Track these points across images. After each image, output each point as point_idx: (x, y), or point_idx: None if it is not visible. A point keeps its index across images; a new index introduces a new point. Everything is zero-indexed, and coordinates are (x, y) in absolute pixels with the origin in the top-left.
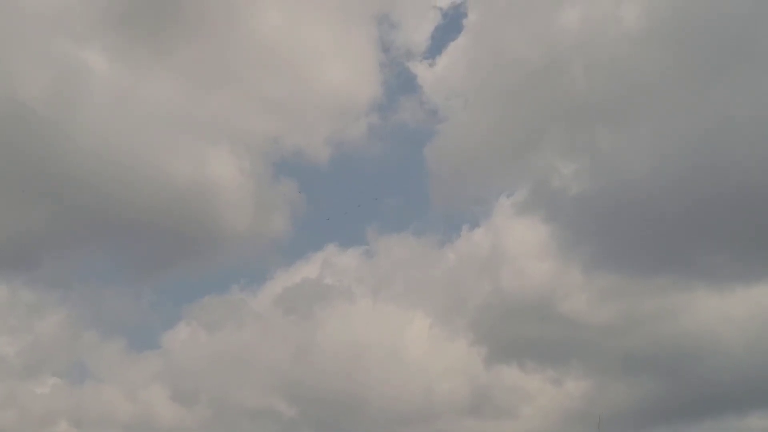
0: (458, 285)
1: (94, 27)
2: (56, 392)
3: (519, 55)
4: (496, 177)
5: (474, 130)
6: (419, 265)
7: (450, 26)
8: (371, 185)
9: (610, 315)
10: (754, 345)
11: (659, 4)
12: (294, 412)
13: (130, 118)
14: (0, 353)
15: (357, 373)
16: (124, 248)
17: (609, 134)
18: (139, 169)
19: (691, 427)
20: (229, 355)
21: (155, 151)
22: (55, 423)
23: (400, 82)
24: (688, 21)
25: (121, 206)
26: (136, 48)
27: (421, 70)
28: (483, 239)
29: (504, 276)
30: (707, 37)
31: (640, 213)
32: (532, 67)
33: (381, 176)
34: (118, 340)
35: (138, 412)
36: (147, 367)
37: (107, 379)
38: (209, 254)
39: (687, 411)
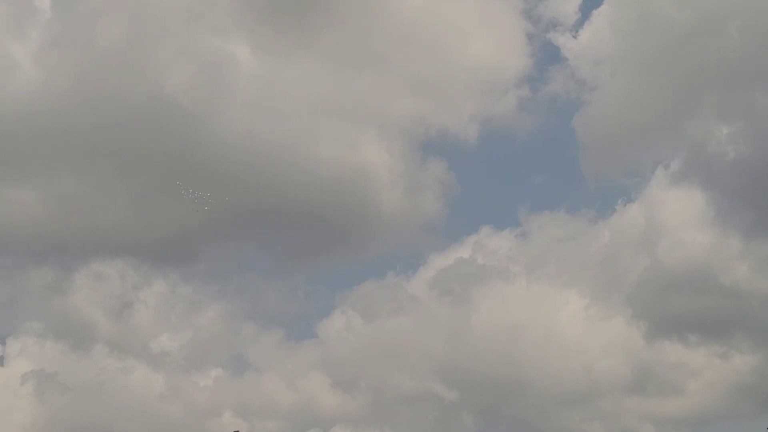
0: (614, 261)
1: (236, 18)
2: (219, 384)
3: (667, 17)
4: (649, 145)
5: (624, 98)
6: (573, 242)
7: None
8: (521, 161)
9: None
10: None
11: None
12: (454, 395)
13: (277, 107)
14: (164, 349)
15: (514, 354)
16: (277, 239)
17: (765, 95)
18: (288, 158)
19: None
20: (386, 341)
21: (303, 138)
22: (219, 414)
23: (546, 54)
24: None
25: (272, 197)
26: (279, 36)
27: (563, 40)
28: (638, 212)
29: (661, 249)
30: None
31: None
32: (681, 30)
33: (531, 151)
34: (276, 330)
35: (299, 400)
36: (305, 356)
37: (267, 369)
38: (362, 241)
39: None
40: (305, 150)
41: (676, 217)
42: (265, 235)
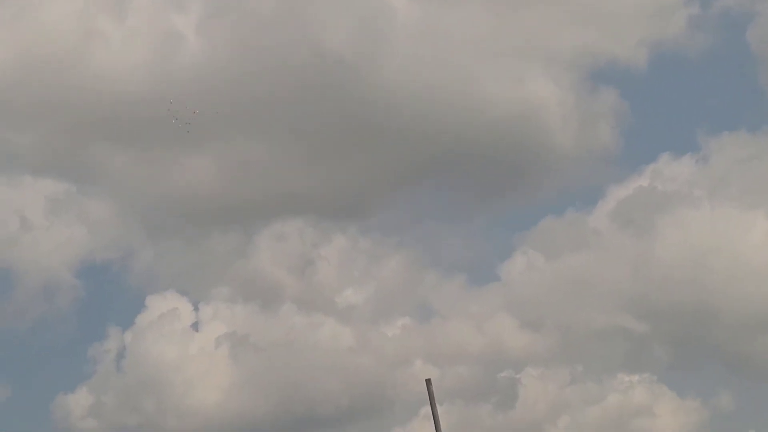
0: None
1: None
2: (407, 333)
3: None
4: None
5: None
6: (757, 162)
7: None
8: (696, 82)
9: None
10: None
11: None
12: (644, 327)
13: (439, 51)
14: (350, 303)
15: (704, 281)
16: (452, 185)
17: None
18: (456, 102)
19: None
20: (569, 277)
21: (469, 80)
22: (410, 362)
23: None
24: None
25: (442, 142)
26: None
27: None
28: None
29: None
30: None
31: None
32: None
33: (705, 71)
34: (458, 276)
35: (487, 343)
36: (490, 299)
37: (453, 315)
38: (537, 178)
39: None
40: (472, 92)
41: None
42: (439, 181)
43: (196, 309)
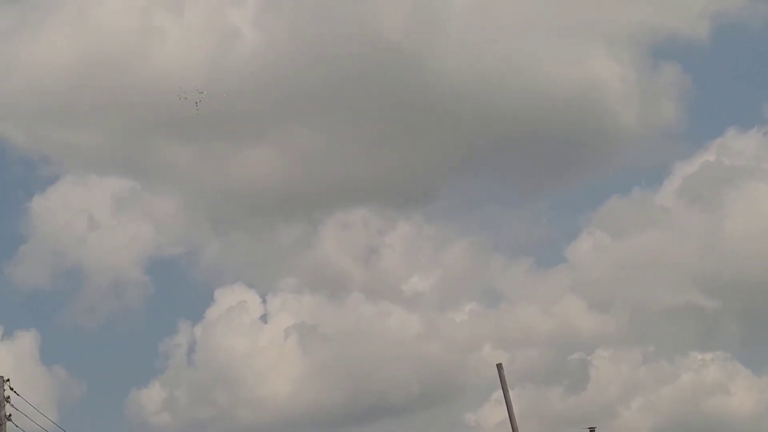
0: None
1: None
2: (474, 318)
3: None
4: None
5: None
6: None
7: None
8: (760, 54)
9: None
10: None
11: None
12: (715, 304)
13: (496, 33)
14: (417, 290)
15: None
16: (515, 167)
17: None
18: (515, 83)
19: None
20: (637, 256)
21: (528, 61)
22: (479, 347)
23: None
24: None
25: (504, 124)
26: None
27: None
28: None
29: None
30: None
31: None
32: None
33: None
34: (525, 259)
35: (557, 326)
36: (557, 281)
37: (521, 299)
38: (601, 157)
39: None
40: (532, 72)
41: None
42: (502, 164)
43: (264, 301)
